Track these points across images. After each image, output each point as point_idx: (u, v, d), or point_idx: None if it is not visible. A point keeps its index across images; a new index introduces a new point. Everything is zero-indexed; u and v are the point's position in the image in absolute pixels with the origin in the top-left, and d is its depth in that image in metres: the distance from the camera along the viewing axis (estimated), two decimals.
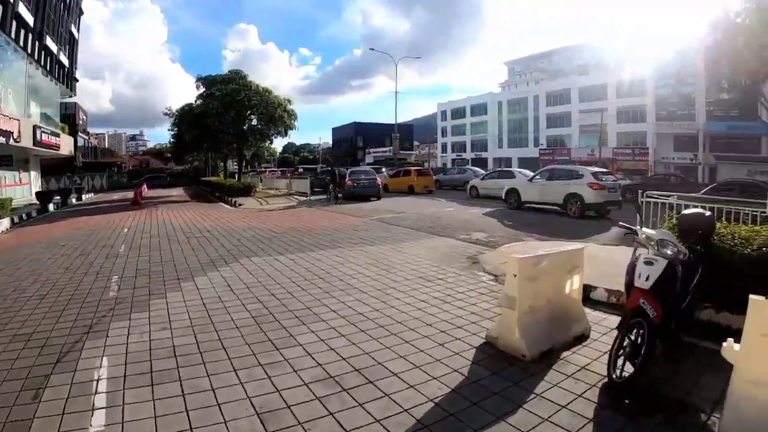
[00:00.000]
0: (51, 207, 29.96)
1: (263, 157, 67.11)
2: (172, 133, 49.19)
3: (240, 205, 28.64)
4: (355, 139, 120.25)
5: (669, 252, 5.15)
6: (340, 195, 29.79)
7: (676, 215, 7.39)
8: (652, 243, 5.31)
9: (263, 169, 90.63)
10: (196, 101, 41.63)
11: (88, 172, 57.56)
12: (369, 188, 30.06)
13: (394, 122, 56.58)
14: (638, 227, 5.80)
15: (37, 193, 33.43)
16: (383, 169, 44.63)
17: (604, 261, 9.73)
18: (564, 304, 6.28)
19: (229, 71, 41.54)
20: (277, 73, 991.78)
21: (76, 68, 51.35)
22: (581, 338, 6.22)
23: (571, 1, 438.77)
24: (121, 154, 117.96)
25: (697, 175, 54.11)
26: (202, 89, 40.86)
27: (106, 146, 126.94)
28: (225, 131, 40.02)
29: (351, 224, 17.97)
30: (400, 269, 10.15)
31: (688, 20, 67.25)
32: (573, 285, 6.46)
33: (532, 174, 26.71)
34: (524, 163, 71.19)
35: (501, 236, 14.80)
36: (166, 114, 45.79)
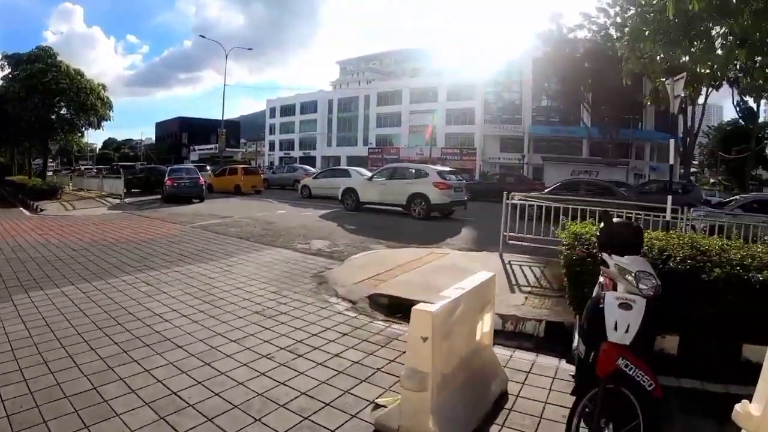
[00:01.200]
0: None
1: (80, 153, 58.85)
2: None
3: (42, 210, 23.90)
4: (179, 135, 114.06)
5: (649, 288, 3.35)
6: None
7: (598, 224, 6.03)
8: (629, 277, 3.43)
9: (79, 167, 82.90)
10: None
11: None
12: (191, 189, 26.78)
13: (221, 118, 52.16)
14: (607, 254, 3.77)
15: None
16: (208, 168, 41.53)
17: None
18: (478, 357, 4.40)
19: (36, 47, 35.42)
20: (102, 60, 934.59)
21: None
22: (501, 399, 4.36)
23: (408, 10, 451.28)
24: None
25: (524, 174, 55.46)
26: (7, 70, 34.74)
27: None
28: (27, 119, 33.63)
29: (168, 233, 14.92)
30: (229, 300, 7.57)
31: (517, 32, 70.65)
32: (484, 328, 4.57)
33: (368, 173, 25.17)
34: (353, 161, 70.55)
35: (345, 244, 12.87)
36: None
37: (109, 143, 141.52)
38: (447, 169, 21.54)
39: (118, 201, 27.28)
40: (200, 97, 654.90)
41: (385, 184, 20.32)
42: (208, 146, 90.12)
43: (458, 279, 4.63)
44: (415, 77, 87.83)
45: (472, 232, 16.03)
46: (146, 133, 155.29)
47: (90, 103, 34.55)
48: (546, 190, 21.06)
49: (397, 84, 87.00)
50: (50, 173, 53.81)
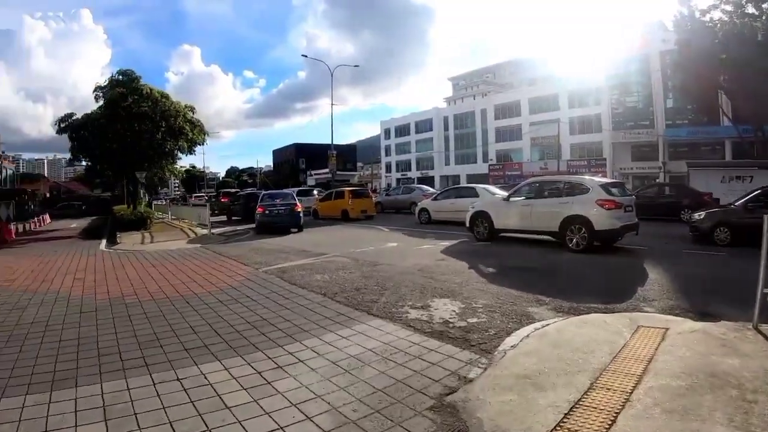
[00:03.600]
0: None
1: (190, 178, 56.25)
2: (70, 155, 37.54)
3: (118, 243, 21.15)
4: (296, 160, 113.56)
5: None
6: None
7: None
8: None
9: (190, 196, 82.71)
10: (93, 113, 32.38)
11: None
12: (286, 217, 22.47)
13: (339, 143, 48.48)
14: None
15: None
16: (314, 192, 37.38)
17: None
18: None
19: (118, 71, 32.50)
20: (223, 95, 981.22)
21: None
22: None
23: (514, 18, 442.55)
24: (51, 179, 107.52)
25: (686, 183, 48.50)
26: (101, 101, 31.88)
27: (43, 172, 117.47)
28: (110, 149, 30.85)
29: (227, 284, 10.48)
30: None
31: (640, 23, 63.65)
32: None
33: (500, 191, 20.12)
34: (473, 179, 64.46)
35: (486, 307, 7.73)
36: (61, 128, 32.58)
37: (231, 172, 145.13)
38: (611, 180, 15.93)
39: (205, 232, 23.74)
40: (318, 124, 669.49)
41: (528, 204, 14.86)
42: (324, 171, 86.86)
43: None
44: (532, 86, 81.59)
45: (668, 275, 10.21)
46: (265, 161, 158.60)
47: (177, 127, 31.04)
48: (740, 202, 15.21)
49: (514, 95, 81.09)
50: (161, 202, 51.94)
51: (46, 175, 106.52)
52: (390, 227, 22.41)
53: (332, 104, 54.59)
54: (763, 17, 38.74)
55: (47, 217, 47.61)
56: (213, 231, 24.08)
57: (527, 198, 15.13)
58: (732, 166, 39.02)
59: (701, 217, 15.43)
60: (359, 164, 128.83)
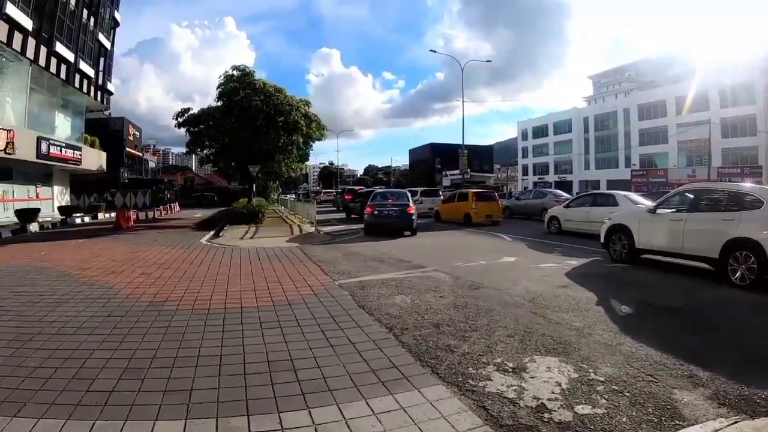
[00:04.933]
0: (33, 227, 25.57)
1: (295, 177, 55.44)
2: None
3: (220, 236, 20.98)
4: (432, 160, 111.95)
5: None
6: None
7: None
8: None
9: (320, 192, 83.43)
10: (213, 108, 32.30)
11: (132, 188, 51.93)
12: (396, 218, 20.44)
13: (472, 143, 45.74)
14: None
15: (59, 208, 33.99)
16: (440, 193, 35.08)
17: None
18: None
19: (232, 66, 32.00)
20: (363, 96, 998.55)
21: (109, 80, 44.18)
22: None
23: (655, 12, 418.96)
24: (190, 172, 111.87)
25: None
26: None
27: (191, 165, 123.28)
28: (225, 144, 30.87)
29: (286, 299, 8.79)
30: None
31: None
32: None
33: (645, 200, 17.11)
34: (614, 185, 58.88)
35: (612, 386, 4.92)
36: (179, 122, 32.73)
37: (369, 170, 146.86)
38: None
39: (312, 229, 22.60)
40: (456, 125, 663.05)
41: (679, 219, 11.51)
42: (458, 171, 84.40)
43: None
44: (677, 84, 74.66)
45: None
46: (401, 160, 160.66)
47: (292, 121, 29.70)
48: None
49: (659, 93, 74.44)
50: (291, 197, 51.95)
51: (193, 168, 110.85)
52: (513, 236, 19.65)
53: (463, 101, 51.03)
54: None
55: (176, 206, 48.87)
56: (323, 229, 23.01)
57: (678, 211, 11.87)
58: None
59: None
60: (496, 166, 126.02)
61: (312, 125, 31.42)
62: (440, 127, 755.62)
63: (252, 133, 29.44)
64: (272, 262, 13.11)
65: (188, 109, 32.23)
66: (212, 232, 22.56)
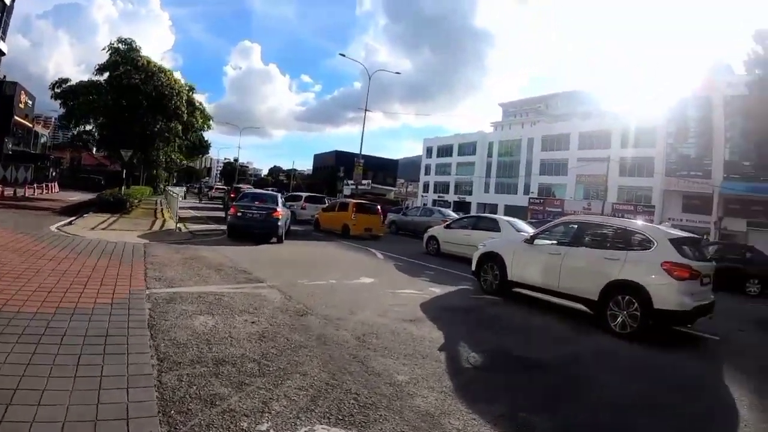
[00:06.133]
0: None
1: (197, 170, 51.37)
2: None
3: (72, 224, 18.10)
4: (336, 167, 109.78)
5: None
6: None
7: None
8: None
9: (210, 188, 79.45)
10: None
11: (15, 162, 46.28)
12: (260, 222, 18.08)
13: (383, 156, 44.34)
14: None
15: None
16: (326, 200, 33.09)
17: None
18: None
19: (118, 39, 28.90)
20: (278, 95, 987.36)
21: (2, 39, 39.71)
22: None
23: (577, 50, 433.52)
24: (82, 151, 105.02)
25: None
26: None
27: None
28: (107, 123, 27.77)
29: (81, 307, 6.63)
30: None
31: (705, 62, 59.33)
32: None
33: (528, 227, 15.74)
34: (511, 212, 59.17)
35: None
36: (56, 93, 29.94)
37: (274, 170, 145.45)
38: (684, 234, 9.92)
39: (173, 226, 20.22)
40: (368, 136, 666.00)
41: (559, 254, 9.89)
42: (363, 181, 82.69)
43: None
44: (585, 120, 75.83)
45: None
46: (305, 165, 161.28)
47: (173, 106, 26.83)
48: None
49: (564, 127, 75.28)
50: (178, 189, 49.36)
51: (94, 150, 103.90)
52: (387, 254, 17.85)
53: (366, 110, 48.87)
54: None
55: (56, 185, 44.98)
56: (191, 227, 20.95)
57: (559, 243, 10.28)
58: None
59: None
60: (400, 181, 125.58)
61: (196, 114, 28.87)
62: (351, 137, 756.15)
63: (128, 114, 26.58)
64: (100, 259, 10.73)
65: (66, 80, 29.21)
66: (65, 220, 19.66)
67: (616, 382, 6.24)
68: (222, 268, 11.39)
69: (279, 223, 18.17)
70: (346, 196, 62.94)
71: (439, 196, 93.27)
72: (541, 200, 67.07)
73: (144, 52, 27.92)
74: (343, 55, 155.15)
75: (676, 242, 8.83)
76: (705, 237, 29.48)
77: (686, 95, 55.66)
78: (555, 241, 10.44)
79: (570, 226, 10.78)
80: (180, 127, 28.66)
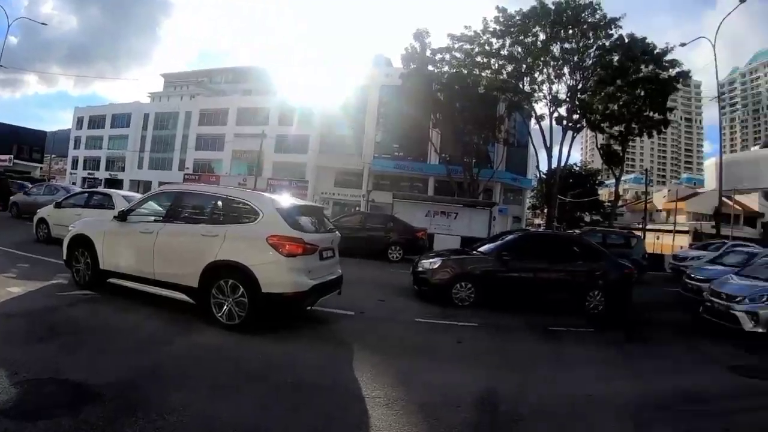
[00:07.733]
0: None
1: None
2: None
3: None
4: None
5: None
6: None
7: None
8: None
9: None
10: None
11: None
12: None
13: (31, 127, 36.88)
14: None
15: None
16: None
17: None
18: None
19: None
20: None
21: None
22: None
23: (255, 29, 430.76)
24: None
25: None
26: None
27: None
28: None
29: None
30: None
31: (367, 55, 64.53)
32: None
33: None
34: None
35: None
36: None
37: None
38: (302, 203, 9.07)
39: None
40: (18, 102, 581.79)
41: (152, 232, 8.07)
42: (3, 156, 69.91)
43: None
44: (246, 96, 76.79)
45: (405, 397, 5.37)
46: None
47: None
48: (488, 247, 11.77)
49: (224, 101, 74.61)
50: None
51: None
52: None
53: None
54: (488, 71, 41.85)
55: None
56: None
57: (155, 220, 8.50)
58: (438, 201, 37.72)
59: (434, 265, 11.10)
60: (50, 156, 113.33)
61: None
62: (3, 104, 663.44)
63: None
64: None
65: None
66: None
67: (202, 398, 4.78)
68: None
69: None
70: None
71: (89, 173, 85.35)
72: (197, 176, 64.95)
73: None
74: None
75: (287, 212, 7.74)
76: (324, 206, 30.20)
77: (349, 83, 60.73)
78: (151, 217, 8.65)
79: (169, 194, 8.98)
80: None
